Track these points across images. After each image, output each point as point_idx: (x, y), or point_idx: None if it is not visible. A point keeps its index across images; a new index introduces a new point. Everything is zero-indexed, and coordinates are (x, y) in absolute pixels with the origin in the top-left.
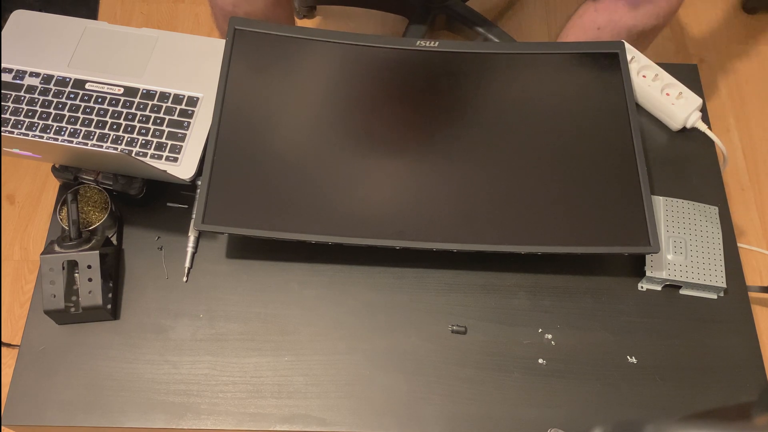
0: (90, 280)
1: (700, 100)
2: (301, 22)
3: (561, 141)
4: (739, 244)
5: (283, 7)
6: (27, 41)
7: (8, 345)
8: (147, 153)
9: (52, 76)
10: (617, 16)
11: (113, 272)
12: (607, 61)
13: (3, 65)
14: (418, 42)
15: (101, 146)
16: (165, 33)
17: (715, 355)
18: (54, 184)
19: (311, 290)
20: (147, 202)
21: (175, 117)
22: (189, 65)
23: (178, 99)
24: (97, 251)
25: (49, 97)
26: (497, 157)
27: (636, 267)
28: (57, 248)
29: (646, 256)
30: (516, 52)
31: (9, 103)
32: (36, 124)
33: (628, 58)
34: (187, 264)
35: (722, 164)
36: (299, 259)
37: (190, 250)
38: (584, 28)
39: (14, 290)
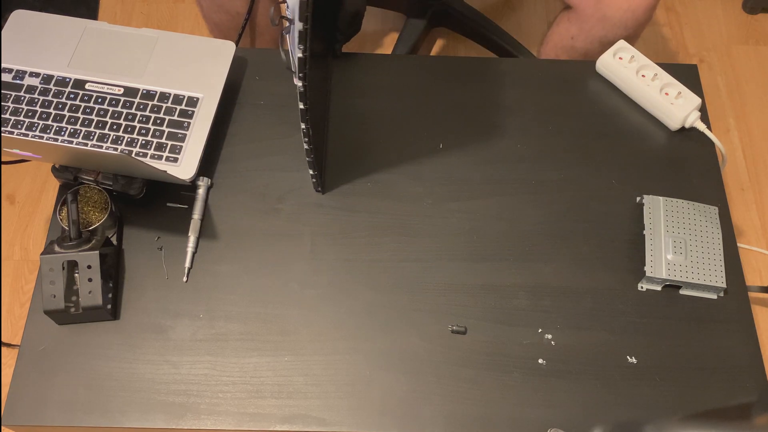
0: (90, 280)
1: (698, 100)
2: None
3: None
4: (738, 244)
5: None
6: (27, 41)
7: (8, 345)
8: (147, 153)
9: (52, 76)
10: (588, 26)
11: (113, 272)
12: None
13: (3, 65)
14: None
15: (101, 146)
16: (165, 33)
17: (715, 355)
18: (54, 184)
19: (311, 290)
20: (147, 202)
21: (175, 117)
22: (189, 65)
23: (178, 99)
24: (97, 251)
25: (49, 98)
26: None
27: (636, 267)
28: (57, 248)
29: (647, 256)
30: None
31: (9, 103)
32: (36, 125)
33: (628, 57)
34: (187, 264)
35: (721, 164)
36: (299, 259)
37: (190, 250)
38: (560, 36)
39: (14, 290)
